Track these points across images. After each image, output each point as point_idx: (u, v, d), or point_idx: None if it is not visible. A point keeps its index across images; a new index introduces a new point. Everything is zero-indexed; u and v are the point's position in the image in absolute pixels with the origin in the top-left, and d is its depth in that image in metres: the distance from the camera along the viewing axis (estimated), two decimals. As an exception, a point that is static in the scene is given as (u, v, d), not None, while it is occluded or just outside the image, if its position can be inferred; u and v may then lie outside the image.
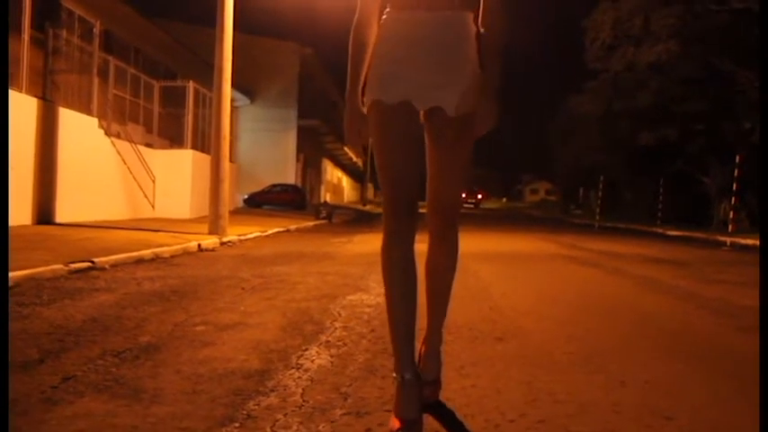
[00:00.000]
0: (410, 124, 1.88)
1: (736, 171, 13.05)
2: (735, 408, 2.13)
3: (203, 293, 4.32)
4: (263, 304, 3.92)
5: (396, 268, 1.87)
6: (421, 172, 1.94)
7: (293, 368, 2.46)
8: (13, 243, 6.84)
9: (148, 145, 15.41)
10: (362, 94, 1.91)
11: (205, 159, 15.57)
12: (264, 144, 28.75)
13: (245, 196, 26.29)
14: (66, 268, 5.32)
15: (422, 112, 1.89)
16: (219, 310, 3.68)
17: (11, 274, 4.56)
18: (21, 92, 9.95)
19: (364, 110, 1.91)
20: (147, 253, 6.76)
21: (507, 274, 6.05)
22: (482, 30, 1.89)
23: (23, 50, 10.34)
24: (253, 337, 2.97)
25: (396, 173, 1.87)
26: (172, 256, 7.10)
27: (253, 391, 2.16)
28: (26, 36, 10.38)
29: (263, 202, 26.46)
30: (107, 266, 5.83)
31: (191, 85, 16.48)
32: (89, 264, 5.65)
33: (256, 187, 26.88)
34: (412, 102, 1.85)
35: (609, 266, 7.03)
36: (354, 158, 43.68)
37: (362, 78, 1.91)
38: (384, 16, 1.93)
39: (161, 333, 3.03)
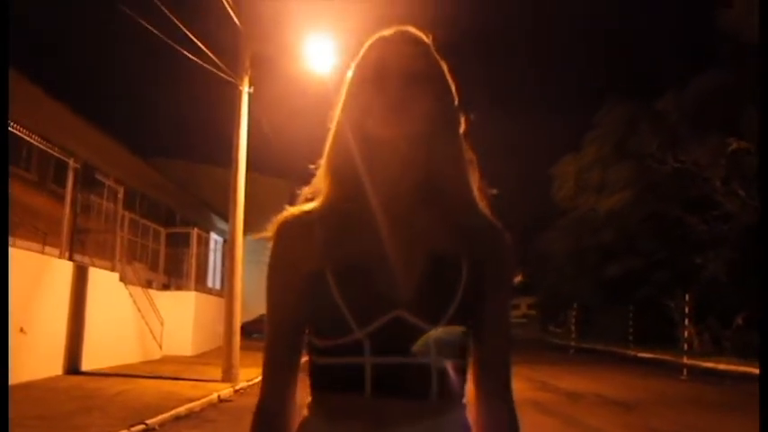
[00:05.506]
0: None
1: (686, 308, 14.72)
2: None
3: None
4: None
5: None
6: None
7: None
8: (62, 400, 8.23)
9: (149, 281, 16.89)
10: None
11: (205, 298, 17.08)
12: (255, 274, 29.74)
13: (238, 326, 27.48)
14: (129, 432, 6.68)
15: None
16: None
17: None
18: (59, 256, 11.47)
19: None
20: (182, 410, 8.12)
21: None
22: None
23: (65, 216, 11.93)
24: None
25: None
26: (201, 410, 8.46)
27: None
28: (68, 204, 12.04)
29: (253, 331, 27.68)
30: (156, 426, 7.18)
31: (194, 232, 18.20)
32: (144, 426, 7.00)
33: (248, 316, 28.09)
34: None
35: (566, 415, 8.48)
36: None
37: None
38: (303, 420, 1.17)
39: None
